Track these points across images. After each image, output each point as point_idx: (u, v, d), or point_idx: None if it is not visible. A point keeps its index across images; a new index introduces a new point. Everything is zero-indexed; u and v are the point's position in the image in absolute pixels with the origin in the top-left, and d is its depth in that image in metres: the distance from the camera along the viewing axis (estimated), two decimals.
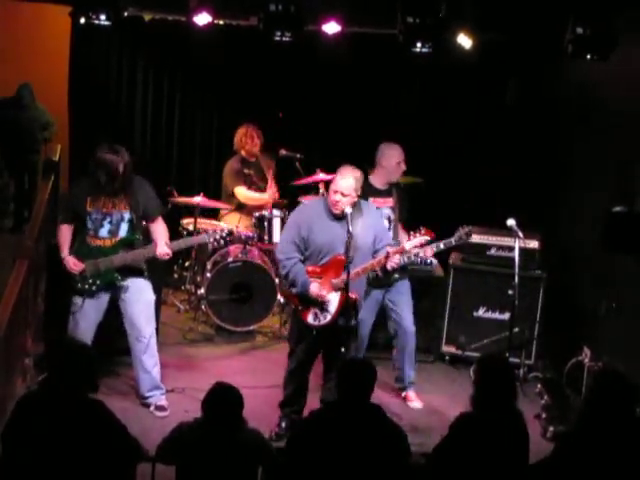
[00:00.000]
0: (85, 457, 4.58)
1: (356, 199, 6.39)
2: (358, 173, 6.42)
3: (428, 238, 6.49)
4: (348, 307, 6.28)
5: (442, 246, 6.89)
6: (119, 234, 6.77)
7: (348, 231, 6.12)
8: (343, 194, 6.29)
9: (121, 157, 6.63)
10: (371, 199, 6.97)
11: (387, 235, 6.56)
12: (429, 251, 6.91)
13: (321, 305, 6.35)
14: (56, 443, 4.56)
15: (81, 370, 4.72)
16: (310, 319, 6.40)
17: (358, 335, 6.61)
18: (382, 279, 6.92)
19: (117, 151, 6.64)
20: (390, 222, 7.11)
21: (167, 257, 6.84)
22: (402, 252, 6.43)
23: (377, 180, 7.15)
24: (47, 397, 4.70)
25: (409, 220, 7.23)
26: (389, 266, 6.36)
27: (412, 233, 6.50)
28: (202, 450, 4.68)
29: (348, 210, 6.23)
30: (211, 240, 7.11)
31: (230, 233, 7.14)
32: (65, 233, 6.83)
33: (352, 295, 6.28)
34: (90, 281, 6.73)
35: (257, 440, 4.87)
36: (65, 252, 6.76)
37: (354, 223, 6.28)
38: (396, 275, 7.02)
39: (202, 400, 4.81)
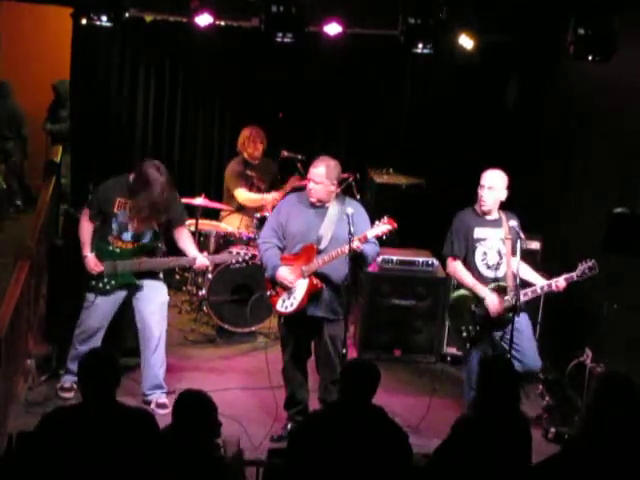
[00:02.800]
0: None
1: (332, 188, 6.41)
2: (332, 162, 6.44)
3: (390, 227, 6.25)
4: (319, 296, 6.31)
5: (563, 282, 6.55)
6: (142, 240, 6.82)
7: (349, 232, 6.11)
8: (315, 182, 6.35)
9: (165, 176, 6.71)
10: (477, 228, 6.72)
11: (363, 225, 6.37)
12: (562, 283, 6.55)
13: (289, 290, 6.36)
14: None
15: (113, 378, 4.72)
16: (278, 306, 6.45)
17: (344, 330, 6.44)
18: (494, 321, 6.61)
19: (161, 170, 6.71)
20: (501, 256, 6.70)
21: (204, 269, 7.35)
22: (364, 240, 6.20)
23: (479, 209, 6.83)
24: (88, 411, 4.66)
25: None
26: (349, 249, 6.11)
27: (376, 222, 6.30)
28: (169, 460, 4.56)
29: (349, 211, 6.22)
30: (233, 261, 7.30)
31: (253, 257, 7.32)
32: (88, 230, 6.89)
33: (317, 282, 6.30)
34: (105, 280, 6.79)
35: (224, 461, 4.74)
36: (87, 250, 6.81)
37: (331, 217, 6.35)
38: (510, 314, 6.50)
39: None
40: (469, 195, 9.71)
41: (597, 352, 7.22)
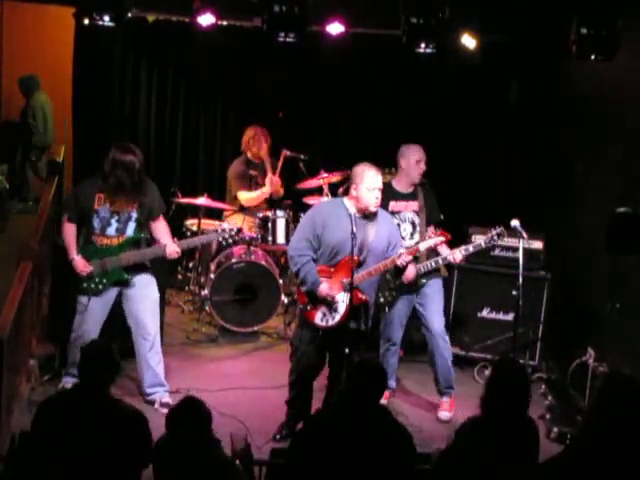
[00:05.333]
0: (105, 459, 4.59)
1: None
2: None
3: (443, 239, 6.49)
4: (358, 308, 6.28)
5: (471, 249, 6.89)
6: (126, 233, 6.80)
7: (352, 232, 6.10)
8: (380, 189, 6.30)
9: (137, 156, 6.69)
10: (392, 203, 6.94)
11: (400, 242, 6.52)
12: (458, 255, 6.85)
13: (330, 305, 6.30)
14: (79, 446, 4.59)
15: (110, 372, 4.79)
16: (318, 319, 6.35)
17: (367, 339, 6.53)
18: (409, 285, 6.90)
19: (133, 151, 6.70)
20: (414, 227, 7.02)
21: (177, 256, 6.93)
22: (415, 253, 6.42)
23: (399, 183, 7.09)
24: (77, 400, 4.74)
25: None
26: (399, 263, 6.31)
27: (427, 234, 6.54)
28: (168, 467, 4.59)
29: (352, 210, 6.23)
30: (220, 239, 7.18)
31: (239, 230, 7.18)
32: (71, 233, 6.85)
33: (362, 296, 6.27)
34: (97, 280, 6.76)
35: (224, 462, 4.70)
36: (74, 253, 6.78)
37: (369, 228, 6.28)
38: (423, 280, 6.98)
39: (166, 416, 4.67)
40: (470, 194, 9.75)
41: (600, 351, 7.23)
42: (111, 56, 9.79)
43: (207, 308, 8.59)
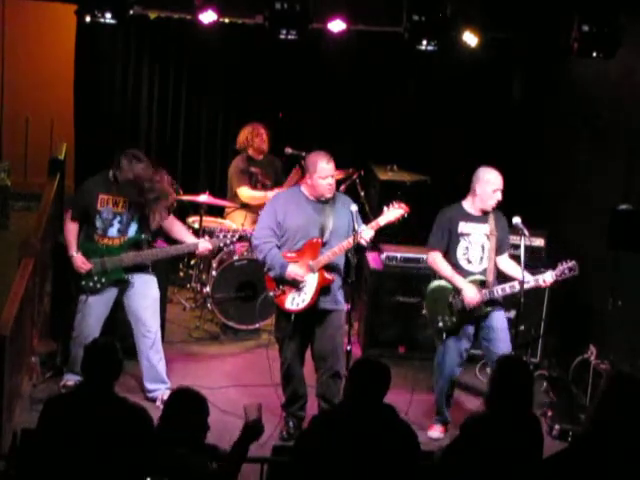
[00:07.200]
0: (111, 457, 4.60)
1: None
2: None
3: (402, 212, 6.41)
4: (327, 288, 6.40)
5: (550, 279, 6.65)
6: (128, 233, 6.81)
7: (354, 229, 6.21)
8: (332, 176, 6.40)
9: (146, 165, 6.70)
10: (462, 223, 6.72)
11: (360, 221, 6.48)
12: (549, 278, 6.63)
13: (298, 287, 6.38)
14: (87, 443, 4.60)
15: (114, 370, 4.81)
16: (288, 304, 6.44)
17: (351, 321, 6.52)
18: (473, 311, 6.66)
19: (141, 159, 6.70)
20: (483, 251, 6.73)
21: (207, 253, 7.21)
22: (376, 227, 6.38)
23: (471, 206, 6.76)
24: (84, 398, 4.76)
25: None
26: (361, 241, 6.30)
27: (385, 207, 6.44)
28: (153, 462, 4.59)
29: (354, 208, 6.29)
30: (221, 245, 7.27)
31: (241, 238, 7.37)
32: (73, 230, 6.87)
33: (329, 276, 6.38)
34: (95, 279, 6.77)
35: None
36: (73, 250, 6.81)
37: (328, 211, 6.40)
38: (488, 308, 6.69)
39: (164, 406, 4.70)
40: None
41: (601, 349, 7.23)
42: (113, 54, 9.80)
43: (209, 305, 8.59)
